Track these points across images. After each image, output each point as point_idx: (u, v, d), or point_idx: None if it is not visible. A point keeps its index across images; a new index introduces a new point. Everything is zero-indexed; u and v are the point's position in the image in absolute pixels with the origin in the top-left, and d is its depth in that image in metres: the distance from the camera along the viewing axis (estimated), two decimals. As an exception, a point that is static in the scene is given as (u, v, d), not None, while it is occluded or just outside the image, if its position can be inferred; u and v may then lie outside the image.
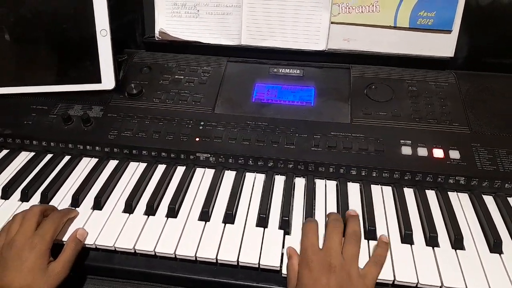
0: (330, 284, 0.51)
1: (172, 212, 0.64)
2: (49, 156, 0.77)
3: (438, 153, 0.69)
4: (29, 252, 0.55)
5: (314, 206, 0.66)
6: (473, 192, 0.68)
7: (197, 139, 0.73)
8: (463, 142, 0.71)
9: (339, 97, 0.79)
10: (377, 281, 0.55)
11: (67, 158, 0.77)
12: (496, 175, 0.67)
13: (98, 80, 0.82)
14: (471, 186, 0.68)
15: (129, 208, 0.66)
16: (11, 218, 0.61)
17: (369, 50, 0.84)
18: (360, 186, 0.70)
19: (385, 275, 0.55)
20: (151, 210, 0.65)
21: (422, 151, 0.70)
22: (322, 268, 0.52)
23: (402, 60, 0.83)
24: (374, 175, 0.69)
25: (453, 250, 0.59)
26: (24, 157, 0.78)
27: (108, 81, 0.82)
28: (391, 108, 0.77)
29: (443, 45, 0.82)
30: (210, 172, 0.73)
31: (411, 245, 0.60)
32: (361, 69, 0.84)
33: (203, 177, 0.72)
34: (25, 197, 0.69)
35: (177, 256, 0.59)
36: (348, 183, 0.70)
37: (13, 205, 0.68)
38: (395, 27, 0.81)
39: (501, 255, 0.58)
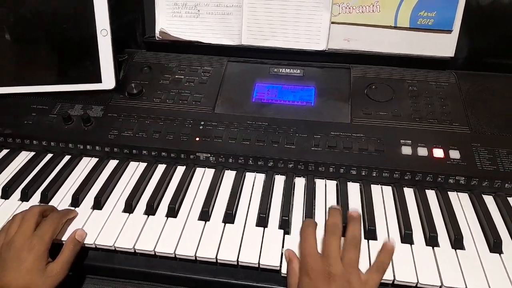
0: None
1: (172, 212, 0.65)
2: (49, 155, 0.77)
3: (438, 153, 0.69)
4: (27, 252, 0.55)
5: (314, 206, 0.66)
6: (473, 192, 0.68)
7: (197, 138, 0.73)
8: (463, 142, 0.71)
9: (339, 97, 0.79)
10: (377, 281, 0.55)
11: (67, 157, 0.77)
12: (496, 175, 0.67)
13: (99, 80, 0.82)
14: (471, 186, 0.68)
15: (129, 207, 0.66)
16: (10, 218, 0.61)
17: (369, 50, 0.84)
18: (360, 186, 0.70)
19: (385, 275, 0.55)
20: (151, 210, 0.65)
21: (422, 151, 0.70)
22: (322, 277, 0.52)
23: (402, 60, 0.83)
24: (374, 175, 0.69)
25: (453, 250, 0.59)
26: (24, 156, 0.78)
27: (108, 80, 0.82)
28: (391, 108, 0.76)
29: (443, 45, 0.82)
30: (210, 172, 0.73)
31: (411, 245, 0.60)
32: (361, 69, 0.84)
33: (203, 176, 0.72)
34: (25, 197, 0.69)
35: (177, 256, 0.59)
36: (348, 183, 0.70)
37: (13, 204, 0.68)
38: (395, 27, 0.81)
39: (501, 255, 0.58)
